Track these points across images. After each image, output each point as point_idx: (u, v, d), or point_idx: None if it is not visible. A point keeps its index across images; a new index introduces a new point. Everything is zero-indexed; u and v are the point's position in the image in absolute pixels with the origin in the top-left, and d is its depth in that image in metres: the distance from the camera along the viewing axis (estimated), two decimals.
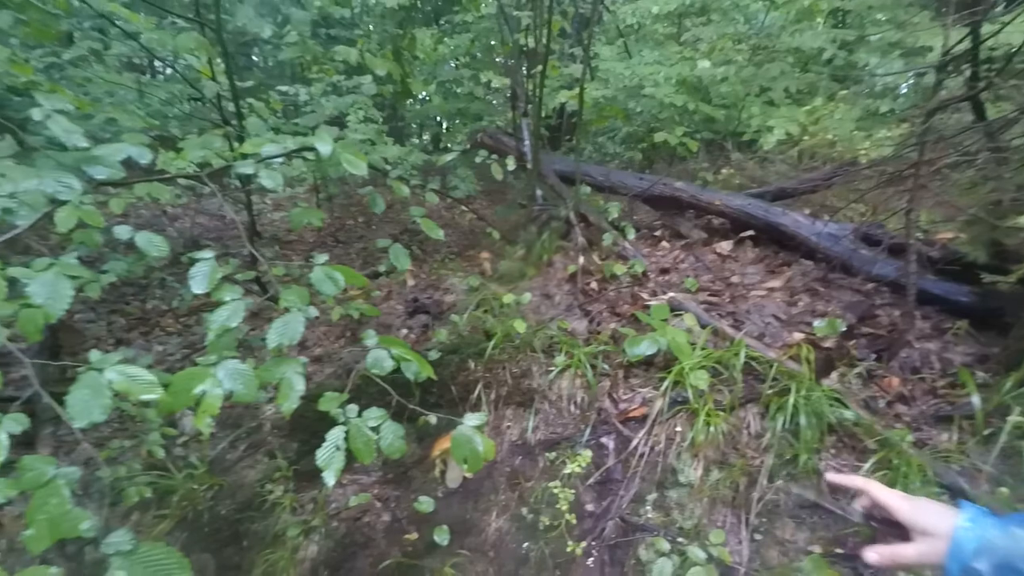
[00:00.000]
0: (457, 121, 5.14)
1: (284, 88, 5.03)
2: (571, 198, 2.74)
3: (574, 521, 1.85)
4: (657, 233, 3.06)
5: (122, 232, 1.23)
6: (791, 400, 1.85)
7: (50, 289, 1.03)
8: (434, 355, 2.23)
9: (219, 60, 3.11)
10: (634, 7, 4.79)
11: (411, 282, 3.36)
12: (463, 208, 2.90)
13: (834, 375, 2.05)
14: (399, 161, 3.86)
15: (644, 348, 1.87)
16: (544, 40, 2.53)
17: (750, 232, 2.73)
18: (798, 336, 2.16)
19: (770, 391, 1.97)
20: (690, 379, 1.84)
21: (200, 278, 1.19)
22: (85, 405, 0.96)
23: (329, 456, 1.14)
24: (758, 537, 1.90)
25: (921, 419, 2.01)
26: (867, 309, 2.29)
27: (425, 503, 2.07)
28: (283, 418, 2.72)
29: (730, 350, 2.00)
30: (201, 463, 2.50)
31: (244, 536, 2.33)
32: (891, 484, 1.72)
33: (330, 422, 2.61)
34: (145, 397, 1.00)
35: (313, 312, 1.24)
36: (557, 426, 2.11)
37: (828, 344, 2.11)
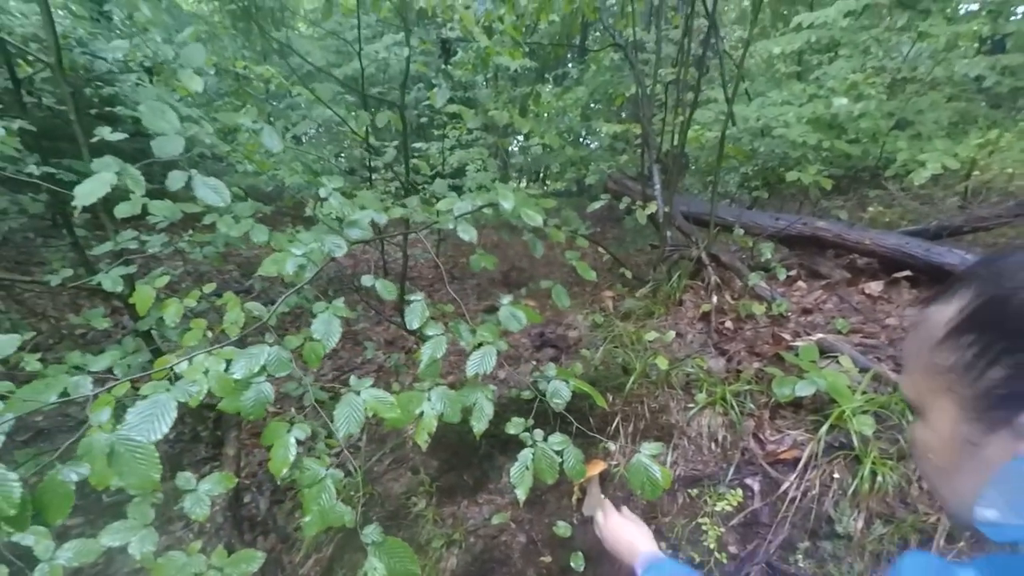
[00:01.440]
0: (572, 166, 5.44)
1: (418, 144, 5.70)
2: (703, 238, 2.77)
3: (724, 560, 1.81)
4: (792, 273, 2.95)
5: (367, 280, 1.53)
6: None
7: (326, 326, 1.32)
8: (573, 387, 2.35)
9: (367, 128, 3.71)
10: (751, 49, 4.80)
11: None
12: (600, 250, 3.05)
13: None
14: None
15: (800, 389, 1.83)
16: (688, 92, 2.67)
17: (905, 272, 2.54)
18: None
19: None
20: (854, 424, 1.75)
21: (414, 316, 1.44)
22: (347, 419, 1.22)
23: (520, 475, 1.29)
24: None
25: None
26: None
27: (563, 528, 2.14)
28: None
29: (898, 396, 1.87)
30: (357, 471, 2.81)
31: None
32: None
33: (468, 443, 2.80)
34: (386, 415, 1.23)
35: (503, 346, 1.42)
36: (697, 463, 2.09)
37: None
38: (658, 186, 2.87)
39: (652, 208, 2.67)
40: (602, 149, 6.13)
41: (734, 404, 2.03)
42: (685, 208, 3.22)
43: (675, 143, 2.74)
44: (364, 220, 1.44)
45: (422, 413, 1.29)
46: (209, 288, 2.30)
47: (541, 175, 8.79)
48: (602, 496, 2.13)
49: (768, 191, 3.81)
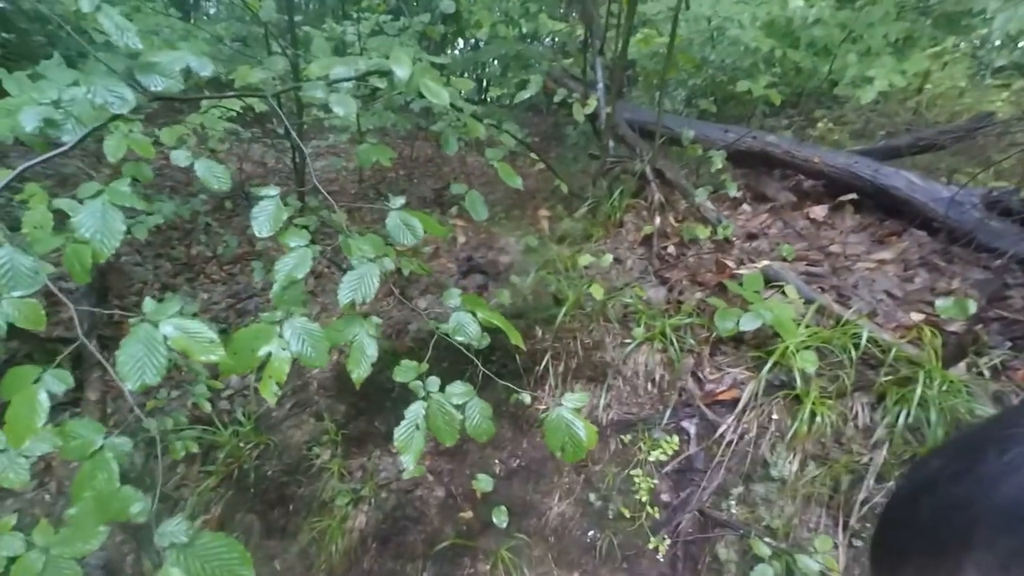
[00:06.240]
0: (508, 65, 4.77)
1: (332, 25, 4.73)
2: (649, 151, 2.43)
3: (656, 515, 1.66)
4: (738, 195, 2.73)
5: (179, 158, 1.03)
6: (918, 391, 1.58)
7: (100, 221, 0.85)
8: (483, 320, 2.04)
9: None
10: None
11: (461, 239, 3.15)
12: (532, 156, 2.61)
13: (962, 364, 1.76)
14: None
15: (744, 323, 1.62)
16: None
17: (851, 196, 2.38)
18: (917, 317, 1.86)
19: (885, 379, 1.70)
20: (797, 361, 1.58)
21: (264, 219, 0.99)
22: (138, 363, 0.80)
23: (408, 436, 0.96)
24: (857, 544, 1.68)
25: None
26: (999, 289, 1.96)
27: (484, 481, 1.92)
28: (330, 377, 2.60)
29: (840, 330, 1.73)
30: (247, 420, 2.42)
31: (290, 499, 2.24)
32: None
33: (379, 385, 2.44)
34: (203, 356, 0.82)
35: (389, 264, 1.03)
36: (632, 406, 1.89)
37: (955, 328, 1.81)
38: (600, 83, 2.44)
39: (592, 105, 2.25)
40: (544, 48, 5.45)
41: (674, 340, 1.81)
42: (630, 116, 2.85)
43: (619, 46, 2.28)
44: (171, 65, 0.92)
45: (269, 355, 0.90)
46: None
47: (482, 82, 7.84)
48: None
49: (716, 105, 3.50)
